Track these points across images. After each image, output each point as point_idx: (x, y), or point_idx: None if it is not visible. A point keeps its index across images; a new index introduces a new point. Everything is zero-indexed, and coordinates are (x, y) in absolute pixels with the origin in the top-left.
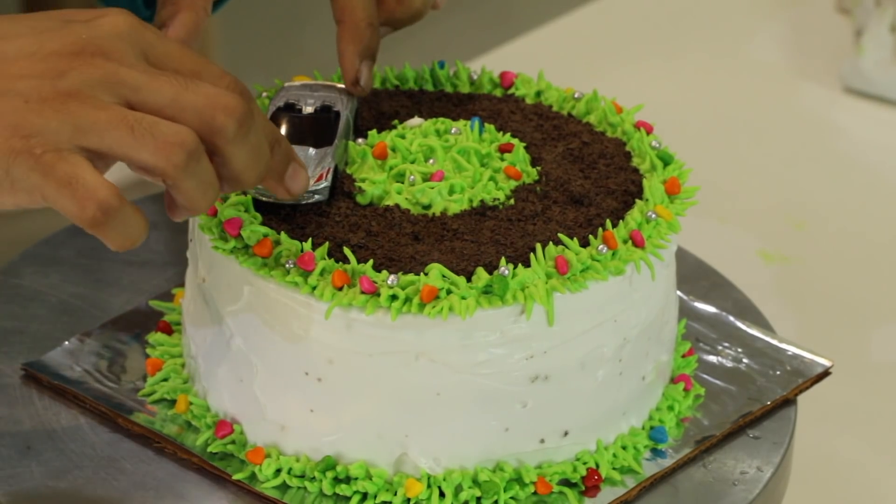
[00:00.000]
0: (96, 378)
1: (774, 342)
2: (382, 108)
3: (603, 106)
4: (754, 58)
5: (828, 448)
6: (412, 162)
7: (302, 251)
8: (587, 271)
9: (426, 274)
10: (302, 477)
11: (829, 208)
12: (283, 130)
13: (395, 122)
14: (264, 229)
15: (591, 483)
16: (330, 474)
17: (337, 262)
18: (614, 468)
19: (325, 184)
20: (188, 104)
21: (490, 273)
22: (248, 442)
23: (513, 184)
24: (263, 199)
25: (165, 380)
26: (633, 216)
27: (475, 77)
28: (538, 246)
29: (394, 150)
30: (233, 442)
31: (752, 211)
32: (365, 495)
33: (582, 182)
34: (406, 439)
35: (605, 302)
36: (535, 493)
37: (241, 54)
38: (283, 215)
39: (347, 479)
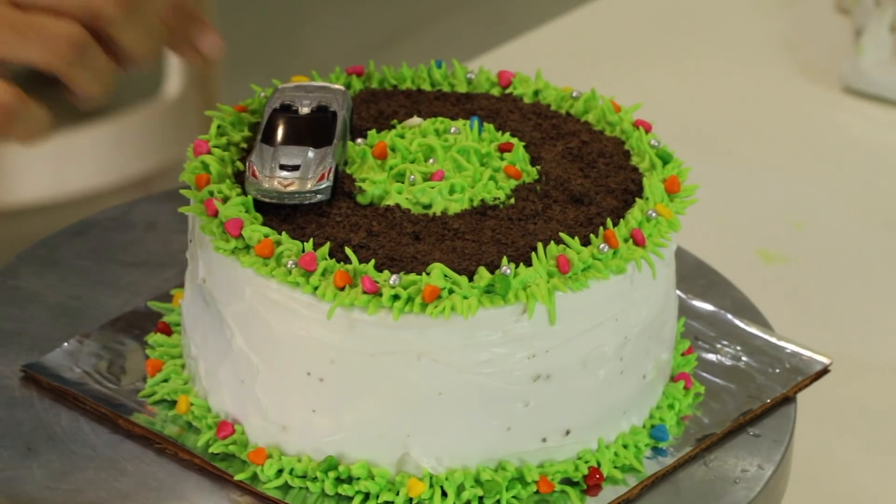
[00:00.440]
0: (96, 379)
1: (773, 340)
2: (381, 108)
3: (601, 105)
4: (753, 57)
5: (827, 446)
6: (412, 162)
7: (303, 251)
8: (588, 270)
9: (428, 274)
10: (304, 477)
11: (828, 208)
12: (280, 131)
13: (394, 121)
14: (265, 230)
15: (592, 482)
16: (332, 474)
17: (338, 262)
18: (616, 467)
19: (326, 183)
20: None
21: (492, 272)
22: (250, 442)
23: (513, 183)
24: (265, 199)
25: (166, 381)
26: (634, 215)
27: (472, 77)
28: (539, 245)
29: (393, 149)
30: (234, 442)
31: (751, 210)
32: (367, 495)
33: (582, 181)
34: (408, 439)
35: (607, 301)
36: (537, 493)
37: (240, 54)
38: (284, 216)
39: (349, 480)
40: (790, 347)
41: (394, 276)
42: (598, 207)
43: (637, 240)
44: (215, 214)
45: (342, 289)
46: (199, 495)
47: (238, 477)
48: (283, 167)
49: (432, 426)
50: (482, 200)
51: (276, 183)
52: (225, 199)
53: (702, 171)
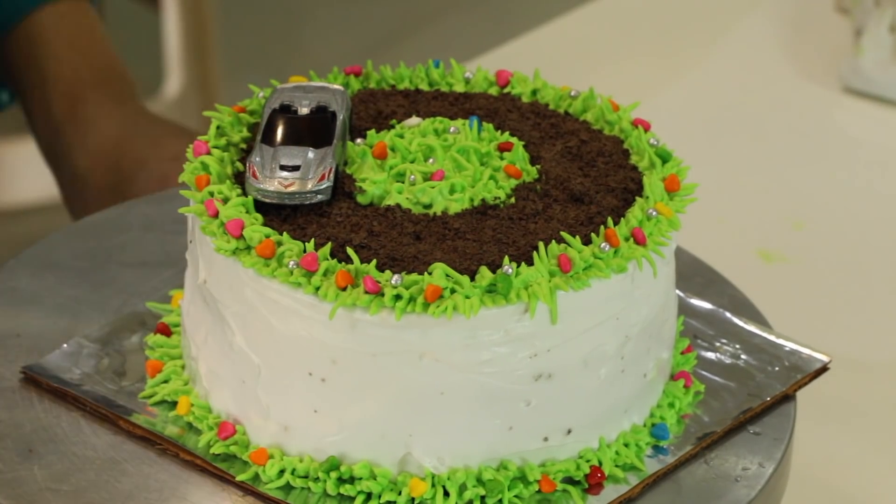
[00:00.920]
0: (96, 380)
1: (772, 338)
2: (379, 108)
3: (599, 104)
4: (753, 57)
5: (826, 445)
6: (412, 161)
7: (305, 252)
8: (590, 269)
9: (430, 273)
10: (306, 477)
11: (828, 208)
12: (280, 132)
13: (393, 121)
14: (266, 230)
15: (594, 481)
16: (334, 474)
17: (340, 262)
18: (617, 466)
19: (327, 184)
20: None
21: (493, 272)
22: (251, 443)
23: (513, 182)
24: (265, 200)
25: (166, 381)
26: (634, 214)
27: (470, 76)
28: (540, 244)
29: (393, 149)
30: (235, 443)
31: (751, 210)
32: (369, 495)
33: (581, 180)
34: (410, 439)
35: (608, 300)
36: (538, 492)
37: (240, 54)
38: (285, 216)
39: (351, 480)
40: (789, 345)
41: (395, 276)
42: (598, 206)
43: (638, 239)
44: (216, 215)
45: (344, 289)
46: (201, 496)
47: (240, 477)
48: (283, 167)
49: (434, 426)
50: (483, 200)
51: (276, 183)
52: (225, 200)
53: (701, 171)
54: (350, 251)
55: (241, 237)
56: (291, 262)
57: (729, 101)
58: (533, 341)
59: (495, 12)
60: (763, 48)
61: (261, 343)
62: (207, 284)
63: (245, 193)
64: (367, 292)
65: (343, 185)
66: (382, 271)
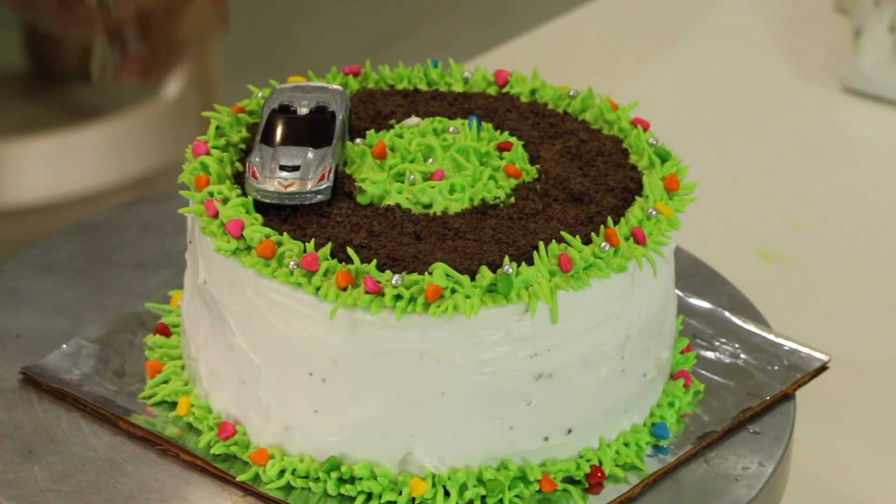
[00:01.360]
0: (95, 381)
1: (771, 337)
2: (378, 108)
3: (598, 103)
4: (753, 57)
5: (826, 444)
6: (411, 161)
7: (305, 252)
8: (590, 269)
9: (430, 273)
10: (306, 477)
11: (827, 208)
12: (279, 132)
13: (392, 121)
14: (266, 230)
15: (594, 480)
16: (334, 475)
17: (340, 262)
18: (617, 465)
19: (327, 184)
20: None
21: (493, 272)
22: (252, 443)
23: (512, 182)
24: (265, 200)
25: (166, 382)
26: (634, 213)
27: (469, 76)
28: (541, 244)
29: (393, 149)
30: (236, 443)
31: (751, 210)
32: (370, 495)
33: (581, 180)
34: (410, 439)
35: (608, 299)
36: (539, 492)
37: (238, 55)
38: (285, 216)
39: (352, 480)
40: (788, 345)
41: (396, 276)
42: (598, 206)
43: (638, 238)
44: (216, 215)
45: (344, 289)
46: (201, 496)
47: (240, 478)
48: (282, 168)
49: (435, 426)
50: (482, 200)
51: (276, 183)
52: (225, 200)
53: (700, 170)
54: (350, 251)
55: (241, 237)
56: (292, 263)
57: (728, 101)
58: (533, 341)
59: (493, 12)
60: (763, 48)
61: (261, 343)
62: (207, 285)
63: (245, 194)
64: (367, 292)
65: (343, 185)
66: (383, 271)
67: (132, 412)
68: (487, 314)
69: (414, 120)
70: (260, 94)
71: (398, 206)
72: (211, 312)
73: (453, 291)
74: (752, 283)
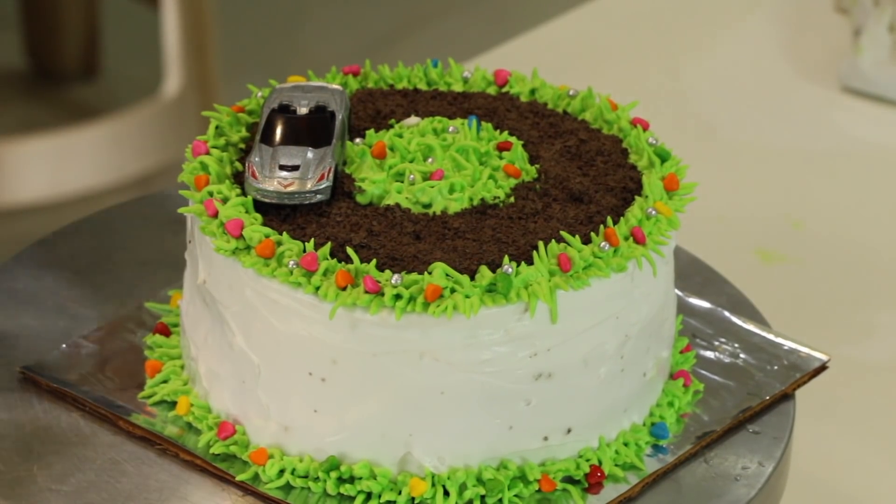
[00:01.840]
0: (95, 380)
1: (770, 337)
2: (378, 108)
3: (598, 103)
4: (752, 56)
5: (825, 444)
6: (411, 161)
7: (304, 251)
8: (590, 268)
9: (430, 273)
10: (306, 477)
11: (826, 207)
12: (279, 132)
13: (392, 121)
14: (266, 230)
15: (594, 480)
16: (334, 474)
17: (339, 262)
18: (617, 465)
19: (326, 183)
20: None
21: (493, 271)
22: (251, 443)
23: (512, 182)
24: (265, 200)
25: (165, 382)
26: (634, 213)
27: (468, 76)
28: (540, 244)
29: (392, 149)
30: (235, 443)
31: (750, 210)
32: (369, 495)
33: (581, 179)
34: (410, 438)
35: (607, 299)
36: (539, 491)
37: (238, 54)
38: (284, 216)
39: (351, 479)
40: (788, 344)
41: (395, 276)
42: (597, 206)
43: (637, 238)
44: (215, 215)
45: (344, 289)
46: (201, 496)
47: (240, 477)
48: (282, 167)
49: (434, 425)
50: (482, 199)
51: (275, 183)
52: (225, 200)
53: (700, 170)
54: (350, 251)
55: (240, 237)
56: (291, 262)
57: (728, 101)
58: (533, 341)
59: (493, 12)
60: (762, 48)
61: (261, 343)
62: (207, 284)
63: (244, 193)
64: (367, 292)
65: (342, 185)
66: (382, 271)
67: (132, 412)
68: (487, 314)
69: (413, 120)
70: (259, 94)
71: (398, 205)
72: (210, 312)
73: (453, 291)
74: (751, 282)
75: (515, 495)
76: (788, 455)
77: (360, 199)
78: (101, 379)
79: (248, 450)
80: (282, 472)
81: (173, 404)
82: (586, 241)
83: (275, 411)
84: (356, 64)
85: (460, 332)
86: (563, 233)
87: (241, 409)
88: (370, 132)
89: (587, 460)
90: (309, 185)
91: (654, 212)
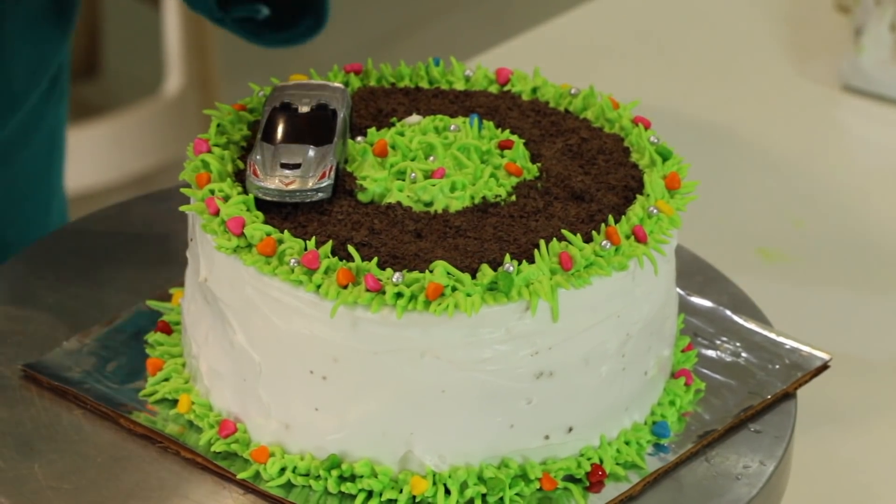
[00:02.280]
0: (96, 378)
1: (772, 336)
2: (380, 106)
3: (600, 102)
4: (753, 55)
5: (827, 444)
6: (413, 159)
7: (306, 250)
8: (591, 267)
9: (431, 271)
10: (307, 475)
11: (828, 206)
12: (280, 130)
13: (394, 119)
14: (267, 228)
15: (595, 479)
16: (335, 472)
17: (341, 260)
18: (618, 464)
19: (328, 182)
20: None
21: (494, 270)
22: (252, 441)
23: (514, 180)
24: (266, 198)
25: (166, 380)
26: (635, 211)
27: (470, 74)
28: (542, 242)
29: (394, 147)
30: (236, 441)
31: (751, 208)
32: (370, 493)
33: (582, 178)
34: (411, 437)
35: (609, 297)
36: (540, 490)
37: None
38: (285, 214)
39: (352, 478)
40: (789, 343)
41: (397, 274)
42: (599, 204)
43: (639, 236)
44: (217, 213)
45: (345, 287)
46: (201, 494)
47: (240, 475)
48: (284, 165)
49: (435, 424)
50: (483, 198)
51: (277, 181)
52: (226, 198)
53: (701, 169)
54: (351, 249)
55: (241, 235)
56: (292, 261)
57: (729, 99)
58: (534, 339)
59: (495, 11)
60: (763, 46)
61: (262, 341)
62: (208, 283)
63: (246, 191)
64: (368, 290)
65: (344, 183)
66: (383, 269)
67: (133, 410)
68: (488, 312)
69: (415, 118)
70: (261, 92)
71: (399, 204)
72: (212, 310)
73: (454, 289)
74: (753, 281)
75: (517, 494)
76: (790, 454)
77: (361, 197)
78: (102, 377)
79: (249, 448)
80: (283, 470)
81: (174, 402)
82: (587, 239)
83: (276, 409)
84: (358, 62)
85: (461, 330)
86: (564, 231)
87: (242, 408)
88: (372, 130)
89: (588, 459)
90: (310, 184)
91: (655, 210)
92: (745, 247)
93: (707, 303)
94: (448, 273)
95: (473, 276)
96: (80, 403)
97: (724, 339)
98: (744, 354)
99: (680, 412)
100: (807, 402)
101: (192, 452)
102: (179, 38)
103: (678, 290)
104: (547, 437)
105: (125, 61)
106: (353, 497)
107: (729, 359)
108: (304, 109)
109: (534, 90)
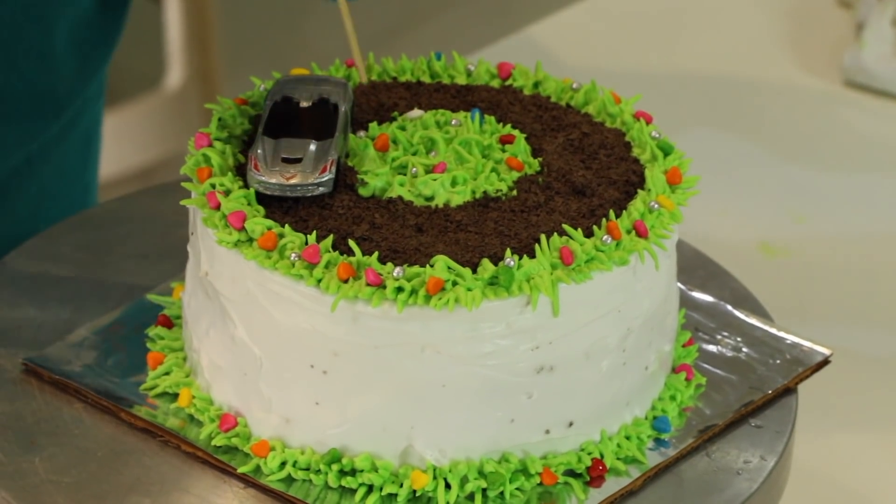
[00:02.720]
0: (97, 372)
1: (773, 331)
2: (381, 100)
3: (601, 96)
4: (755, 51)
5: (827, 439)
6: (414, 154)
7: (306, 244)
8: (592, 262)
9: (431, 266)
10: (307, 469)
11: (829, 202)
12: (282, 124)
13: (395, 113)
14: (268, 222)
15: (595, 473)
16: (335, 467)
17: (341, 254)
18: (619, 458)
19: (328, 176)
20: None
21: (495, 264)
22: (253, 435)
23: (515, 175)
24: (267, 192)
25: (167, 374)
26: (636, 206)
27: (472, 68)
28: (542, 237)
29: (395, 142)
30: (237, 435)
31: (753, 204)
32: (370, 487)
33: (583, 172)
34: (412, 431)
35: (609, 292)
36: (540, 484)
37: (241, 47)
38: (286, 208)
39: (353, 472)
40: (790, 338)
41: (397, 269)
42: (600, 199)
43: (640, 231)
44: (217, 207)
45: (346, 281)
46: (202, 488)
47: (241, 469)
48: (285, 160)
49: (436, 418)
50: (484, 192)
51: (278, 175)
52: (227, 192)
53: (702, 164)
54: (352, 243)
55: (242, 229)
56: (293, 255)
57: (731, 95)
58: (535, 334)
59: (497, 5)
60: (765, 42)
61: (262, 335)
62: (209, 277)
63: (247, 185)
64: (368, 284)
65: (345, 178)
66: (384, 263)
67: (133, 403)
68: (489, 307)
69: (416, 112)
70: (263, 86)
71: (400, 198)
72: (212, 304)
73: (455, 284)
74: (754, 276)
75: (517, 488)
76: (790, 449)
77: (362, 191)
78: (103, 371)
79: (249, 442)
80: (283, 464)
81: (175, 396)
82: (588, 234)
83: (276, 403)
84: None
85: (462, 324)
86: (565, 226)
87: (242, 402)
88: (373, 125)
89: (589, 453)
90: (311, 178)
91: (656, 205)
92: (746, 242)
93: (708, 298)
94: (449, 267)
95: (474, 271)
96: (81, 397)
97: (725, 333)
98: (745, 349)
99: (681, 407)
100: (808, 397)
101: (193, 446)
102: (181, 32)
103: (679, 284)
104: (547, 432)
105: (126, 55)
106: (354, 491)
107: (730, 354)
108: (306, 104)
109: (535, 85)
